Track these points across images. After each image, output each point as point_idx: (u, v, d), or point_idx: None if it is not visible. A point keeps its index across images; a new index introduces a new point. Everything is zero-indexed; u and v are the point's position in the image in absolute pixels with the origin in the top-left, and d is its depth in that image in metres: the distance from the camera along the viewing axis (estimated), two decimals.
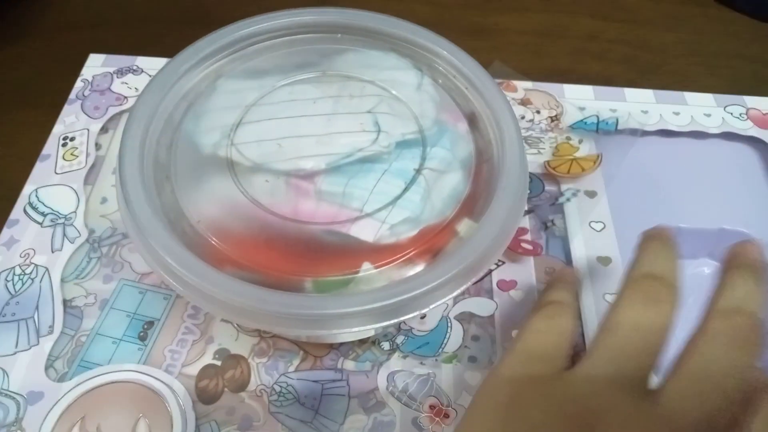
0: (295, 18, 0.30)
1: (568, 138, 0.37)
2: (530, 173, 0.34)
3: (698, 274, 0.36)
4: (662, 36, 0.50)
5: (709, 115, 0.39)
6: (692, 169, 0.37)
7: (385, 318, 0.22)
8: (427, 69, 0.30)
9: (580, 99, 0.40)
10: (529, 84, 0.40)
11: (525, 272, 0.32)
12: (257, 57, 0.30)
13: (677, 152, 0.38)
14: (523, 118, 0.38)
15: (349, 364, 0.29)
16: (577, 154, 0.37)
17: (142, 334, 0.30)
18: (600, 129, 0.38)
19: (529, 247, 0.33)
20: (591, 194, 0.35)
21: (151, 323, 0.31)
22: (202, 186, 0.25)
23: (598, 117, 0.39)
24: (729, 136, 0.39)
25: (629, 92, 0.40)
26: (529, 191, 0.33)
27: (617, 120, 0.38)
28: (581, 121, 0.38)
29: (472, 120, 0.28)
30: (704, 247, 0.36)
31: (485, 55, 0.48)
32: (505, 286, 0.31)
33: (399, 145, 0.26)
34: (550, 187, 0.36)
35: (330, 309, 0.21)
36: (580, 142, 0.37)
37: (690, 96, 0.40)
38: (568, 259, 0.33)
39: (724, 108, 0.40)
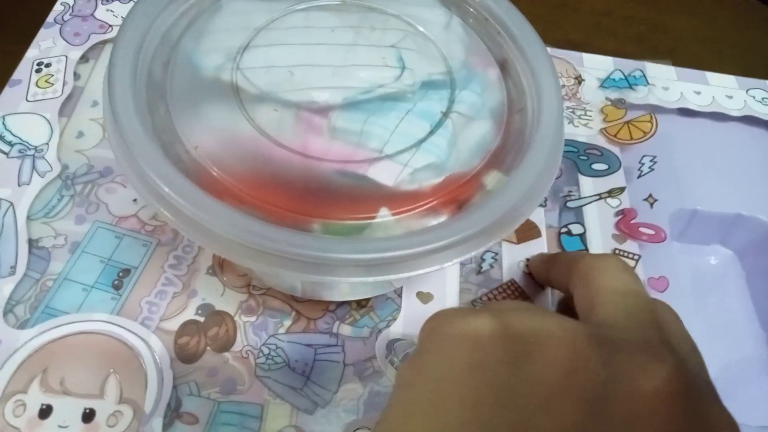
0: None
1: (608, 99, 0.36)
2: (600, 147, 0.33)
3: (703, 263, 0.35)
4: (675, 19, 0.48)
5: (731, 97, 0.37)
6: (712, 150, 0.36)
7: (403, 270, 0.19)
8: (456, 9, 0.27)
9: (599, 69, 0.38)
10: (547, 50, 0.38)
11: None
12: None
13: (697, 132, 0.36)
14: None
15: (346, 329, 0.27)
16: (628, 117, 0.35)
17: (116, 282, 0.27)
18: (632, 85, 0.36)
19: (650, 231, 0.31)
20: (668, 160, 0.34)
21: (127, 271, 0.27)
22: (201, 111, 0.22)
23: (622, 72, 0.37)
24: (750, 120, 0.37)
25: (650, 66, 0.38)
26: (606, 166, 0.32)
27: (644, 74, 0.37)
28: (609, 78, 0.37)
29: (504, 67, 0.26)
30: (718, 233, 0.35)
31: None
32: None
33: (424, 85, 0.24)
34: (625, 159, 0.33)
35: (345, 254, 0.18)
36: (622, 102, 0.36)
37: (712, 76, 0.39)
38: None
39: (747, 91, 0.38)
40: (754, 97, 0.38)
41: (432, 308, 0.28)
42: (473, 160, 0.22)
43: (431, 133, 0.22)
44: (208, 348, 0.26)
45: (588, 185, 0.32)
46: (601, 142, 0.34)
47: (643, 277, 0.29)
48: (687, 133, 0.36)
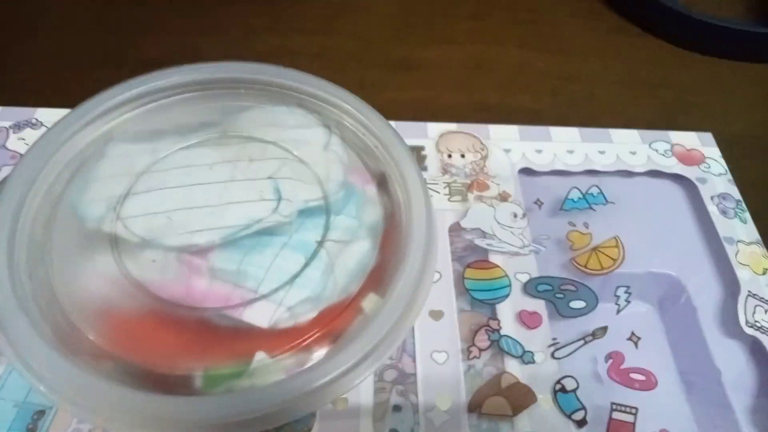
0: (194, 74, 0.28)
1: (572, 224, 0.35)
2: (574, 280, 0.32)
3: (634, 314, 0.35)
4: (590, 66, 0.50)
5: (634, 153, 0.39)
6: (618, 209, 0.37)
7: (279, 419, 0.20)
8: (335, 126, 0.28)
9: (505, 140, 0.39)
10: (453, 126, 0.39)
11: None
12: (153, 117, 0.28)
13: (603, 192, 0.37)
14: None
15: None
16: (594, 243, 0.34)
17: (31, 426, 0.27)
18: (591, 204, 0.36)
19: (641, 377, 0.30)
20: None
21: (42, 413, 0.28)
22: (82, 267, 0.23)
23: (580, 190, 0.37)
24: (654, 173, 0.38)
25: (555, 131, 0.40)
26: (584, 303, 0.32)
27: (601, 191, 0.37)
28: (569, 199, 0.36)
29: (382, 182, 0.26)
30: (634, 290, 0.36)
31: (411, 92, 0.47)
32: None
33: (301, 213, 0.25)
34: (600, 294, 0.32)
35: (207, 415, 0.19)
36: (586, 226, 0.35)
37: (615, 133, 0.40)
38: None
39: (650, 145, 0.39)
40: (657, 151, 0.39)
41: (347, 412, 0.28)
42: (351, 285, 0.23)
43: (306, 265, 0.23)
44: None
45: (569, 329, 0.31)
46: (572, 272, 0.33)
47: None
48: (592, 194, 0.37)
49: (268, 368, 0.21)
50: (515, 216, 0.34)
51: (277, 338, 0.22)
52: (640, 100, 0.47)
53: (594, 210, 0.36)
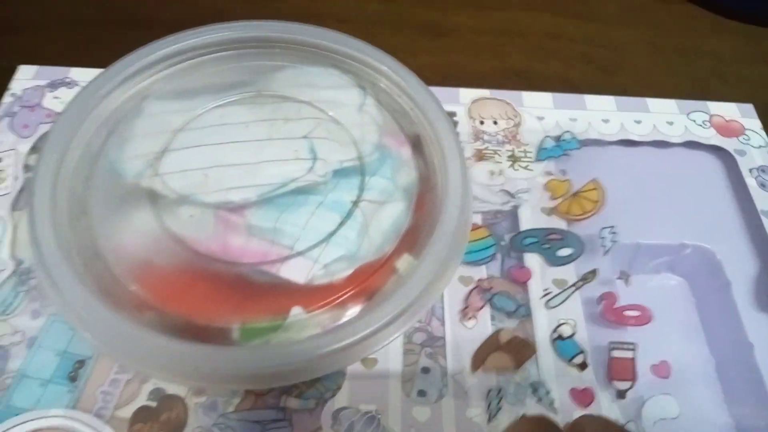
0: (229, 32, 0.28)
1: (549, 173, 0.35)
2: (559, 229, 0.32)
3: (663, 286, 0.35)
4: (624, 33, 0.49)
5: (671, 123, 0.38)
6: (653, 180, 0.36)
7: (313, 372, 0.20)
8: (370, 87, 0.28)
9: (538, 107, 0.38)
10: (486, 92, 0.39)
11: None
12: (188, 75, 0.28)
13: (638, 163, 0.37)
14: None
15: (292, 402, 0.28)
16: (575, 189, 0.34)
17: (72, 374, 0.28)
18: (565, 150, 0.36)
19: (636, 313, 0.30)
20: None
21: (82, 362, 0.28)
22: (122, 222, 0.23)
23: (552, 138, 0.36)
24: (691, 145, 0.37)
25: (590, 99, 0.39)
26: (571, 250, 0.31)
27: (574, 135, 0.36)
28: (542, 149, 0.36)
29: (417, 144, 0.26)
30: (665, 262, 0.35)
31: (441, 57, 0.46)
32: None
33: (336, 173, 0.25)
34: (586, 239, 0.32)
35: (243, 365, 0.19)
36: (564, 172, 0.35)
37: (652, 102, 0.39)
38: None
39: (687, 115, 0.38)
40: (694, 121, 0.38)
41: (376, 372, 0.29)
42: (385, 245, 0.23)
43: (341, 225, 0.23)
44: None
45: (560, 277, 0.31)
46: (555, 221, 0.33)
47: (644, 366, 0.29)
48: (628, 164, 0.37)
49: (304, 323, 0.21)
50: (492, 174, 0.34)
51: (313, 294, 0.22)
52: (675, 69, 0.46)
53: (569, 156, 0.35)
